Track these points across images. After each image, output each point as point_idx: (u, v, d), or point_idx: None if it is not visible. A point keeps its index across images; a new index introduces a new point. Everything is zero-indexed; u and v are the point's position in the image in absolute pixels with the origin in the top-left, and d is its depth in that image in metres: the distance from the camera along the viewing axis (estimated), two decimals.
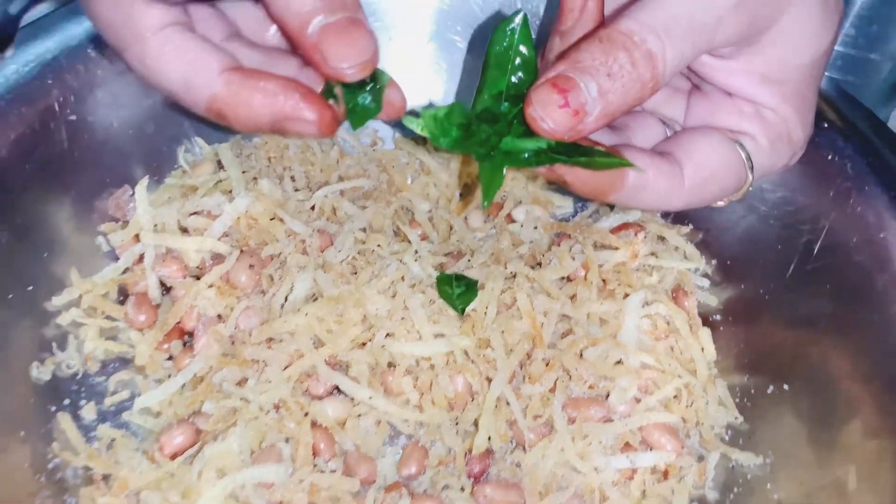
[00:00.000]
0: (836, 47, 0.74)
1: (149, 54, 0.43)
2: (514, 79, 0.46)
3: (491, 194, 0.44)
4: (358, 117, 0.47)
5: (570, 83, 0.41)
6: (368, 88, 0.47)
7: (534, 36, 0.48)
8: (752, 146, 0.49)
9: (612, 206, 0.69)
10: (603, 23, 0.47)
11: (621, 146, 0.47)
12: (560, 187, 0.72)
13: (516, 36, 0.45)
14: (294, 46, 0.45)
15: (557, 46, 0.48)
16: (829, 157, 0.57)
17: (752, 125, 0.49)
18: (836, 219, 0.57)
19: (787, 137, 0.49)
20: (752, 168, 0.49)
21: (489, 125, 0.45)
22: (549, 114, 0.41)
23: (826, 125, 0.58)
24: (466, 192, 0.70)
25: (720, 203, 0.52)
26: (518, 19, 0.45)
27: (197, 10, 0.48)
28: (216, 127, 0.68)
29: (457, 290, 0.59)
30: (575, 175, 0.44)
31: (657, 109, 0.54)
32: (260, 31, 0.51)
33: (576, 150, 0.44)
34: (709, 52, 0.45)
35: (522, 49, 0.45)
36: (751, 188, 0.50)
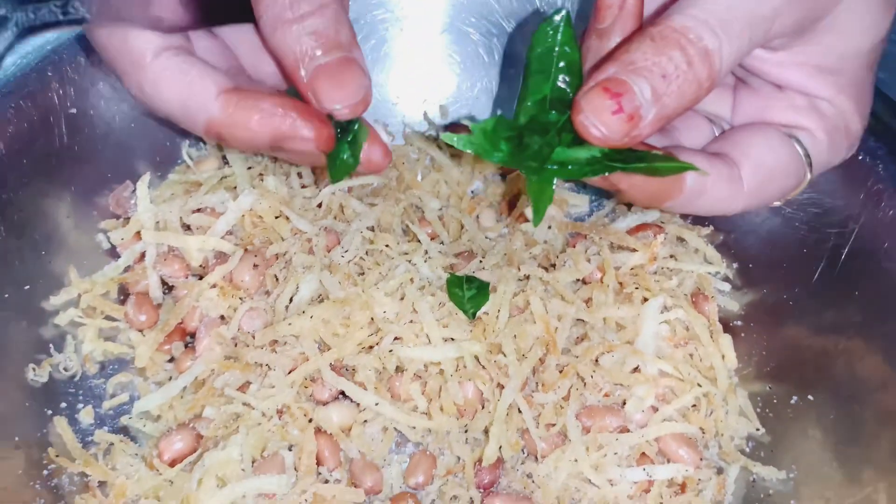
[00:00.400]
0: None
1: (147, 79, 0.43)
2: (559, 83, 0.43)
3: (542, 210, 0.41)
4: (337, 170, 0.46)
5: (622, 86, 0.38)
6: (349, 140, 0.46)
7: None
8: (809, 141, 0.46)
9: (629, 206, 0.67)
10: (642, 20, 0.44)
11: (673, 148, 0.45)
12: (575, 185, 0.70)
13: (559, 36, 0.43)
14: (288, 81, 0.45)
15: (596, 47, 0.45)
16: (861, 158, 0.54)
17: (808, 119, 0.46)
18: (866, 222, 0.54)
19: (845, 129, 0.47)
20: (810, 164, 0.47)
21: (539, 136, 0.43)
22: (602, 120, 0.39)
23: None
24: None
25: (777, 202, 0.50)
26: (559, 18, 0.42)
27: (198, 41, 0.47)
28: None
29: (468, 293, 0.56)
30: (631, 182, 0.42)
31: (702, 107, 0.51)
32: (259, 63, 0.51)
33: (632, 156, 0.41)
34: (763, 45, 0.42)
35: (566, 49, 0.43)
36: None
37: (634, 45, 0.39)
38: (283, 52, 0.42)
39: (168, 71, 0.43)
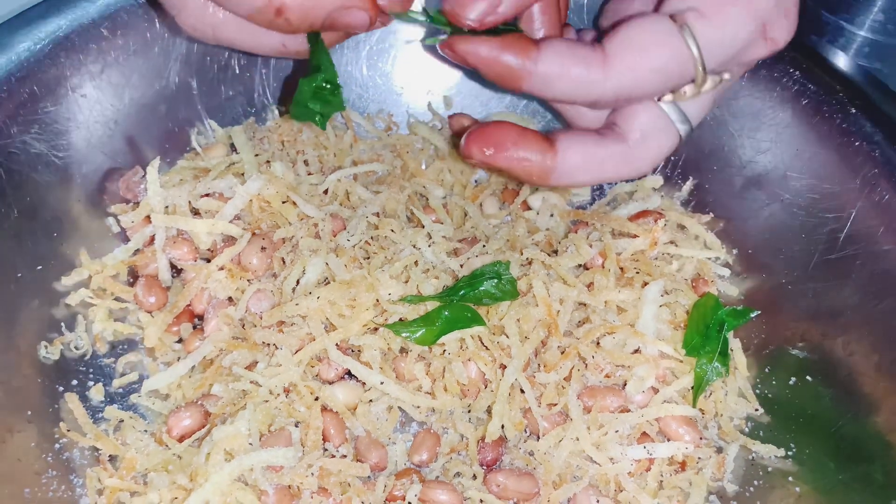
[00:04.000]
0: (864, 34, 0.72)
1: None
2: None
3: None
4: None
5: None
6: (319, 89, 0.51)
7: None
8: (693, 18, 0.44)
9: (631, 194, 0.68)
10: None
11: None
12: None
13: None
14: None
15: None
16: (857, 144, 0.55)
17: None
18: (863, 207, 0.55)
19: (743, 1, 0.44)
20: (696, 43, 0.43)
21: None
22: (463, 6, 0.43)
23: (854, 111, 0.56)
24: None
25: (668, 95, 0.48)
26: None
27: None
28: (229, 108, 0.68)
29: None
30: (478, 56, 0.44)
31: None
32: None
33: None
34: None
35: None
36: (724, 77, 0.46)
37: None
38: None
39: None
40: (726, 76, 0.47)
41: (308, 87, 0.51)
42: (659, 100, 0.49)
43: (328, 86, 0.51)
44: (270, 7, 0.46)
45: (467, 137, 0.47)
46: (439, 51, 0.47)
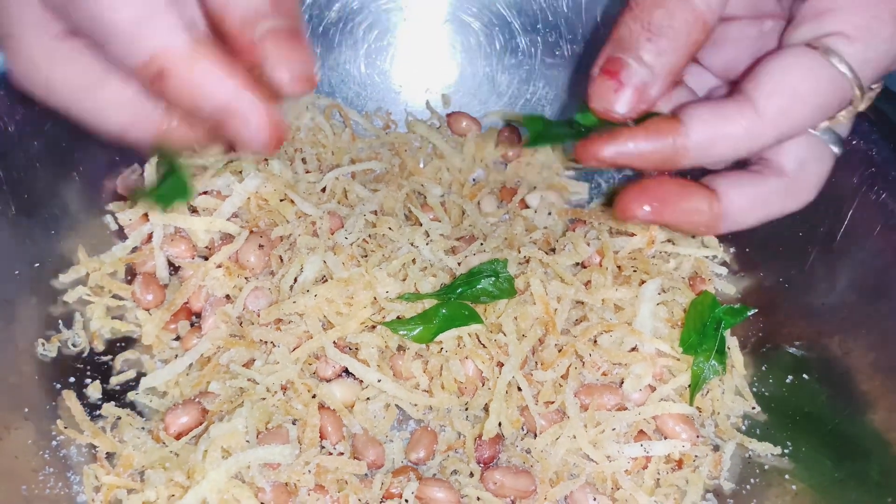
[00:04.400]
0: None
1: None
2: None
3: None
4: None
5: (617, 64, 0.39)
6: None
7: None
8: (841, 43, 0.40)
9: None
10: None
11: (681, 106, 0.43)
12: (575, 172, 0.71)
13: None
14: (229, 44, 0.38)
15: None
16: (854, 143, 0.55)
17: (833, 19, 0.40)
18: (860, 206, 0.55)
19: (887, 7, 0.40)
20: (849, 67, 0.40)
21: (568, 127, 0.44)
22: (609, 101, 0.40)
23: None
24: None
25: (824, 123, 0.44)
26: None
27: None
28: None
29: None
30: (624, 153, 0.41)
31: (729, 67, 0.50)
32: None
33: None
34: None
35: None
36: (874, 88, 0.43)
37: (621, 19, 0.40)
38: (230, 12, 0.37)
39: None
40: (876, 87, 0.44)
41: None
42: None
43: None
44: (152, 65, 0.36)
45: (626, 197, 0.44)
46: (578, 162, 0.44)
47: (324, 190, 0.65)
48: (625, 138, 0.41)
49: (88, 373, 0.56)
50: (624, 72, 0.39)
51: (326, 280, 0.57)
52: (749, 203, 0.45)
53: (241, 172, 0.62)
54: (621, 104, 0.40)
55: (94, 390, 0.55)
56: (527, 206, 0.68)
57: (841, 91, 0.41)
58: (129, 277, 0.61)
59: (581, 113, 0.43)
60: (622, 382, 0.55)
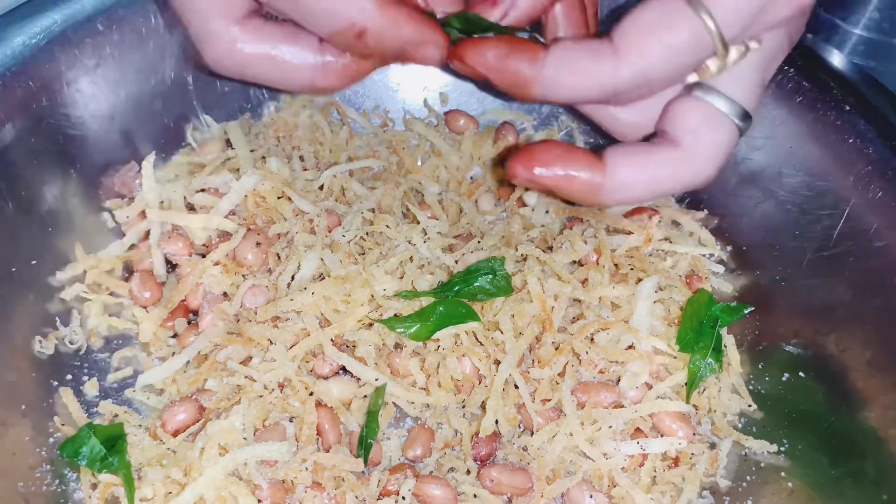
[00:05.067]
0: (859, 32, 0.72)
1: None
2: None
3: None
4: None
5: None
6: None
7: None
8: None
9: None
10: None
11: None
12: None
13: None
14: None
15: None
16: (851, 141, 0.56)
17: None
18: (857, 204, 0.55)
19: None
20: (709, 12, 0.41)
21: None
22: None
23: (848, 108, 0.57)
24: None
25: (691, 76, 0.45)
26: None
27: None
28: (225, 104, 0.68)
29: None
30: (484, 59, 0.45)
31: None
32: None
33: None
34: None
35: None
36: (750, 45, 0.43)
37: None
38: None
39: None
40: (753, 45, 0.44)
41: None
42: (691, 89, 0.46)
43: None
44: (353, 29, 0.45)
45: (513, 158, 0.47)
46: (451, 65, 0.47)
47: (321, 188, 0.64)
48: (487, 45, 0.45)
49: (85, 370, 0.56)
50: None
51: (324, 278, 0.57)
52: (634, 172, 0.46)
53: (238, 170, 0.62)
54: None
55: (91, 388, 0.56)
56: (524, 205, 0.68)
57: (698, 36, 0.41)
58: (126, 275, 0.61)
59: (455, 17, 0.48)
60: (619, 380, 0.56)
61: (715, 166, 0.47)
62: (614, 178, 0.46)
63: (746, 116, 0.47)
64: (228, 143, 0.66)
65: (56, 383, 0.54)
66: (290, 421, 0.52)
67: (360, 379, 0.55)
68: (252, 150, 0.64)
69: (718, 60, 0.44)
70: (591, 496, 0.52)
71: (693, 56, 0.43)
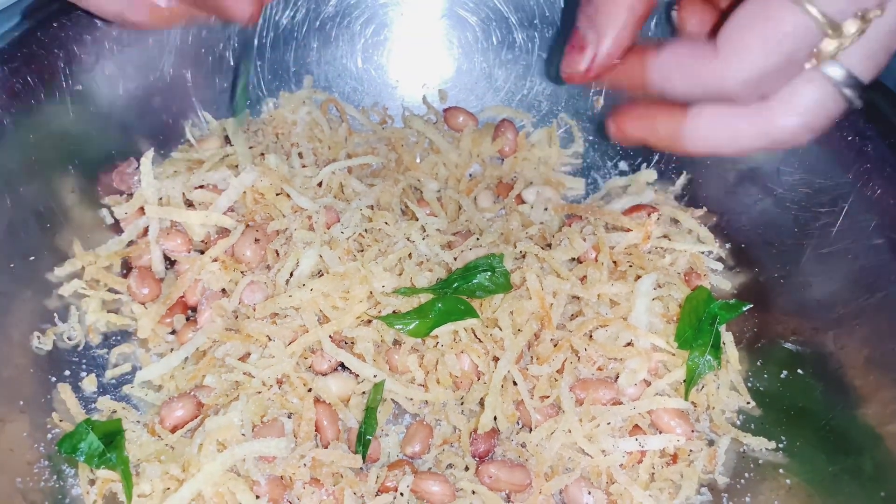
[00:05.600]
0: None
1: None
2: None
3: None
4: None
5: (578, 38, 0.47)
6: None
7: None
8: None
9: (624, 189, 0.68)
10: None
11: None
12: (572, 168, 0.71)
13: None
14: None
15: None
16: (850, 138, 0.55)
17: None
18: (855, 201, 0.55)
19: None
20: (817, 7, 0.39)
21: None
22: (569, 65, 0.47)
23: None
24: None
25: (824, 53, 0.41)
26: None
27: None
28: (223, 100, 0.68)
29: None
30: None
31: None
32: None
33: None
34: None
35: None
36: (869, 16, 0.39)
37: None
38: None
39: None
40: (874, 13, 0.40)
41: None
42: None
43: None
44: None
45: (607, 118, 0.50)
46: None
47: (320, 184, 0.64)
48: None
49: (84, 366, 0.56)
50: (576, 37, 0.47)
51: (322, 274, 0.57)
52: (716, 120, 0.45)
53: (237, 166, 0.62)
54: (575, 65, 0.47)
55: (89, 384, 0.56)
56: (523, 202, 0.68)
57: (800, 20, 0.39)
58: (124, 271, 0.61)
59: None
60: (617, 377, 0.56)
61: (808, 130, 0.44)
62: (695, 122, 0.45)
63: (857, 85, 0.43)
64: (227, 140, 0.66)
65: (54, 379, 0.54)
66: (289, 417, 0.52)
67: (358, 375, 0.55)
68: (251, 147, 0.64)
69: (834, 40, 0.40)
70: (590, 493, 0.52)
71: (803, 43, 0.40)
